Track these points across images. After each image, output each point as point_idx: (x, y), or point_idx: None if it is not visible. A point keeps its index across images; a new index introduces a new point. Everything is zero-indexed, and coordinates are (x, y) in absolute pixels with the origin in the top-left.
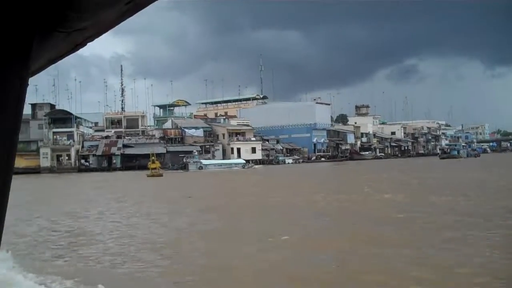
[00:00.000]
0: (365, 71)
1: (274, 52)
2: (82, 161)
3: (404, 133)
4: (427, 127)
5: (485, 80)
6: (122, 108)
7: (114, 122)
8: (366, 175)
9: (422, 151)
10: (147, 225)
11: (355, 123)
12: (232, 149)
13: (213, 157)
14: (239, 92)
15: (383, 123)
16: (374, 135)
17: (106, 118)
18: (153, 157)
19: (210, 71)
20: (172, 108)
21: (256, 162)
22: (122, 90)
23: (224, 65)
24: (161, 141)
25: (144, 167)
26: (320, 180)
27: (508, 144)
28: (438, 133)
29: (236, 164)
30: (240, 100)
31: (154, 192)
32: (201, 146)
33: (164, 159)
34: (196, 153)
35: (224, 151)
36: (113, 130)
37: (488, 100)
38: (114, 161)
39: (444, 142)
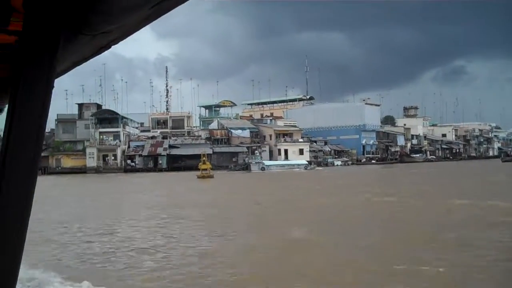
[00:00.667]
0: (410, 72)
1: (319, 54)
2: (128, 161)
3: (456, 135)
4: (479, 129)
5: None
6: (167, 108)
7: (160, 123)
8: (441, 180)
9: (474, 154)
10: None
11: (404, 124)
12: (279, 150)
13: (260, 158)
14: (286, 93)
15: (433, 125)
16: (425, 137)
17: (152, 118)
18: (204, 158)
19: (255, 73)
20: (218, 108)
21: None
22: (167, 91)
23: (268, 67)
24: (207, 142)
25: (191, 168)
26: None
27: None
28: (490, 135)
29: (298, 165)
30: (286, 101)
31: (215, 197)
32: (247, 147)
33: (210, 160)
34: (258, 154)
35: (271, 152)
36: (159, 131)
37: None
38: (160, 161)
39: (496, 145)
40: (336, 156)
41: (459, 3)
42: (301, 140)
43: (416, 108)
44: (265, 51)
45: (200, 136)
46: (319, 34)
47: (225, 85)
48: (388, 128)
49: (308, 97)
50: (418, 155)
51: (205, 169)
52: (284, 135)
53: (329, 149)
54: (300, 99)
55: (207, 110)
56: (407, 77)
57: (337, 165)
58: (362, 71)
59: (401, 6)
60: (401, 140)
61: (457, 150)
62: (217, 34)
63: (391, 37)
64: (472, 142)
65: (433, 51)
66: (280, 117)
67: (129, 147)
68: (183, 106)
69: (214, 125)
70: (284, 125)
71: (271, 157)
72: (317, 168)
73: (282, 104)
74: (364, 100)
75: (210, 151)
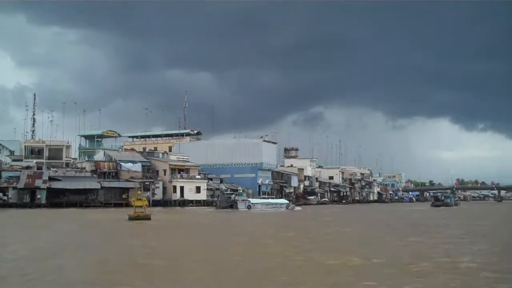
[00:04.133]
0: (273, 115)
1: (188, 92)
2: (0, 194)
3: (342, 178)
4: (360, 173)
5: (387, 130)
6: (32, 137)
7: (35, 152)
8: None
9: (358, 198)
10: None
11: (291, 165)
12: (174, 187)
13: (153, 195)
14: (179, 126)
15: (319, 167)
16: (316, 179)
17: (25, 146)
18: (138, 192)
19: (119, 108)
20: (100, 139)
21: (201, 203)
22: (34, 120)
23: (135, 102)
24: (94, 175)
25: (74, 204)
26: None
27: (428, 194)
28: (370, 179)
29: (281, 204)
30: (171, 136)
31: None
32: (139, 183)
33: (97, 196)
34: (241, 191)
35: (164, 189)
36: (34, 161)
37: (391, 149)
38: (39, 195)
39: (376, 189)
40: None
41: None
42: (198, 176)
43: (296, 149)
44: (130, 87)
45: (85, 168)
46: (188, 72)
47: (91, 119)
48: (282, 168)
49: (195, 132)
50: (312, 197)
51: (140, 206)
52: (180, 170)
53: (226, 188)
54: (188, 134)
55: (87, 141)
56: (270, 119)
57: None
58: (228, 112)
59: (266, 49)
60: (294, 181)
61: (344, 193)
62: (81, 66)
63: (256, 80)
64: (356, 185)
65: (294, 95)
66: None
67: (0, 177)
68: (56, 136)
69: (99, 156)
70: (178, 160)
71: (164, 195)
72: (296, 208)
73: (167, 138)
74: (261, 137)
75: (98, 186)
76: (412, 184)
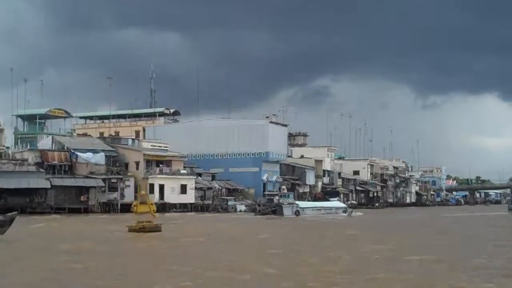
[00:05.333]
0: (262, 91)
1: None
2: None
3: (371, 173)
4: (394, 167)
5: (415, 110)
6: None
7: None
8: None
9: (391, 199)
10: None
11: (301, 156)
12: (151, 186)
13: (122, 197)
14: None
15: (340, 158)
16: (339, 175)
17: None
18: (143, 192)
19: (55, 78)
20: (43, 121)
21: (187, 207)
22: None
23: (78, 72)
24: (40, 169)
25: (12, 210)
26: None
27: (478, 195)
28: (406, 175)
29: (336, 208)
30: (139, 116)
31: None
32: (104, 179)
33: (45, 198)
34: (285, 191)
35: (137, 188)
36: None
37: (421, 135)
38: None
39: (414, 188)
40: (234, 198)
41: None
42: (183, 171)
43: (305, 135)
44: (70, 50)
45: (27, 160)
46: (149, 32)
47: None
48: (293, 160)
49: (171, 111)
50: (335, 199)
51: (144, 213)
52: (158, 163)
53: (219, 187)
54: (162, 114)
55: (26, 123)
56: (260, 96)
57: (241, 211)
58: (203, 85)
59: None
60: (310, 177)
61: (375, 194)
62: (6, 23)
63: (240, 44)
64: (389, 183)
65: (291, 65)
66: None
67: None
68: None
69: (46, 144)
70: (153, 149)
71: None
72: (354, 212)
73: (133, 120)
74: (267, 117)
75: (47, 184)
76: (455, 182)
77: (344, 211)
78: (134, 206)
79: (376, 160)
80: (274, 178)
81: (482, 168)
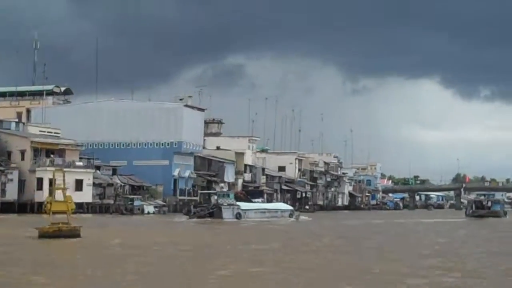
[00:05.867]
0: (163, 69)
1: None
2: None
3: (299, 169)
4: (324, 162)
5: (344, 96)
6: None
7: None
8: None
9: (321, 202)
10: None
11: (217, 147)
12: (39, 180)
13: (3, 192)
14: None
15: (262, 151)
16: (263, 171)
17: None
18: (59, 183)
19: None
20: None
21: (83, 207)
22: None
23: None
24: None
25: None
26: None
27: (418, 198)
28: (339, 172)
29: (282, 211)
30: (23, 95)
31: None
32: None
33: None
34: (226, 189)
35: (21, 183)
36: None
37: (350, 125)
38: None
39: (347, 188)
40: (140, 197)
41: None
42: (79, 163)
43: (220, 122)
44: None
45: None
46: None
47: None
48: (209, 152)
49: (62, 89)
50: (259, 199)
51: (60, 212)
52: (49, 152)
53: (121, 183)
54: (51, 92)
55: None
56: (160, 75)
57: (149, 212)
58: (91, 60)
59: None
60: (230, 173)
61: (303, 194)
62: None
63: (138, 10)
64: (319, 182)
65: (198, 37)
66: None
67: None
68: None
69: None
70: (42, 134)
71: (21, 193)
72: (301, 216)
73: (13, 98)
74: (181, 99)
75: None
76: (391, 181)
77: (291, 215)
78: (48, 203)
79: (305, 154)
80: (187, 174)
81: (420, 165)
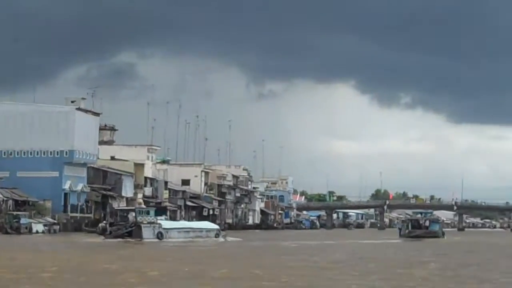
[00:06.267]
0: (45, 66)
1: None
2: None
3: (205, 183)
4: (233, 175)
5: (249, 101)
6: None
7: None
8: None
9: (230, 219)
10: None
11: (112, 157)
12: None
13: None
14: None
15: (164, 162)
16: (166, 184)
17: None
18: None
19: None
20: None
21: None
22: None
23: None
24: None
25: None
26: None
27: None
28: (249, 187)
29: (207, 230)
30: None
31: None
32: None
33: None
34: (143, 206)
35: None
36: None
37: (256, 135)
38: None
39: (258, 205)
40: (27, 213)
41: None
42: None
43: (113, 129)
44: None
45: None
46: None
47: None
48: (104, 163)
49: None
50: (162, 217)
51: None
52: None
53: (3, 197)
54: None
55: None
56: (43, 75)
57: (37, 231)
58: None
59: None
60: (128, 186)
61: (211, 211)
62: None
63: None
64: (227, 198)
65: (81, 32)
66: None
67: None
68: None
69: None
70: None
71: None
72: (228, 238)
73: None
74: (73, 102)
75: None
76: (304, 198)
77: (217, 235)
78: None
79: (212, 166)
80: (79, 187)
81: (335, 180)
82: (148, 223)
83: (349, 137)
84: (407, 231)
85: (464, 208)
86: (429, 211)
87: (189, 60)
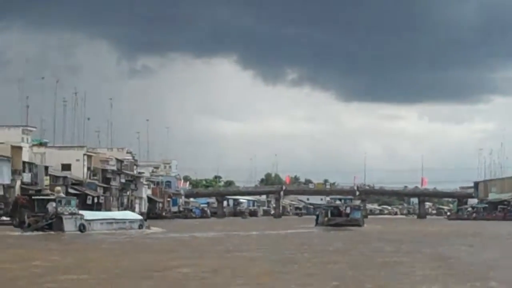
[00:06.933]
0: None
1: None
2: None
3: (89, 168)
4: (117, 160)
5: (121, 77)
6: None
7: None
8: None
9: (116, 208)
10: None
11: None
12: None
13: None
14: None
15: (41, 144)
16: (47, 170)
17: None
18: None
19: None
20: None
21: None
22: None
23: None
24: None
25: None
26: None
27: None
28: (135, 172)
29: (130, 221)
30: None
31: None
32: None
33: None
34: (62, 194)
35: None
36: None
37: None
38: None
39: (145, 192)
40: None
41: None
42: None
43: None
44: None
45: None
46: None
47: None
48: None
49: None
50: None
51: None
52: None
53: None
54: None
55: None
56: None
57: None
58: None
59: None
60: (5, 173)
61: (95, 199)
62: None
63: None
64: (113, 184)
65: None
66: None
67: None
68: None
69: None
70: None
71: None
72: (151, 228)
73: None
74: None
75: None
76: (188, 184)
77: (141, 225)
78: None
79: (97, 149)
80: None
81: (221, 164)
82: (70, 214)
83: (232, 117)
84: (326, 218)
85: (367, 193)
86: (349, 197)
87: (52, 32)
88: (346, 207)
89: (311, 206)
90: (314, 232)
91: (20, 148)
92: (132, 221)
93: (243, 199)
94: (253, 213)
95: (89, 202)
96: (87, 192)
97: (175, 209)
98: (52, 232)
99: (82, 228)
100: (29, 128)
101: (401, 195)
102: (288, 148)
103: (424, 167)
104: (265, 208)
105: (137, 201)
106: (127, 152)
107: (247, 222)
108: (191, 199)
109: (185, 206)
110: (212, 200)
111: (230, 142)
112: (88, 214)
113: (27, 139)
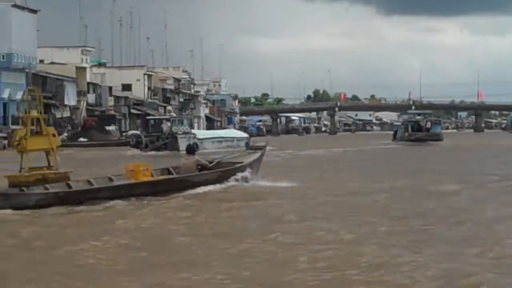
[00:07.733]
0: None
1: None
2: None
3: (149, 88)
4: (175, 79)
5: None
6: None
7: None
8: None
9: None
10: None
11: (52, 62)
12: None
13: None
14: None
15: (100, 65)
16: (110, 91)
17: None
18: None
19: None
20: None
21: None
22: None
23: None
24: None
25: None
26: None
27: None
28: (192, 91)
29: (238, 139)
30: None
31: None
32: None
33: None
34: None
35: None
36: None
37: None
38: None
39: (203, 111)
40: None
41: None
42: None
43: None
44: None
45: None
46: None
47: None
48: (43, 67)
49: None
50: (112, 127)
51: (40, 150)
52: None
53: None
54: None
55: None
56: None
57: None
58: None
59: None
60: (71, 94)
61: (157, 122)
62: None
63: None
64: (172, 104)
65: None
66: None
67: None
68: None
69: None
70: None
71: None
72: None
73: None
74: None
75: None
76: (237, 102)
77: (247, 144)
78: (20, 138)
79: (156, 69)
80: (18, 96)
81: (262, 81)
82: (184, 133)
83: (272, 34)
84: (406, 134)
85: (423, 108)
86: (428, 111)
87: None
88: (426, 121)
89: (360, 122)
90: (400, 147)
91: (84, 68)
92: (239, 139)
93: (294, 116)
94: (306, 130)
95: (151, 122)
96: (150, 111)
97: (230, 126)
98: (168, 151)
99: (195, 147)
100: (88, 48)
101: (460, 109)
102: (329, 64)
103: (467, 81)
104: (315, 125)
105: (196, 120)
106: (183, 71)
107: (309, 139)
108: (244, 117)
109: (240, 124)
110: (264, 118)
111: (272, 60)
112: (199, 133)
113: (87, 60)
